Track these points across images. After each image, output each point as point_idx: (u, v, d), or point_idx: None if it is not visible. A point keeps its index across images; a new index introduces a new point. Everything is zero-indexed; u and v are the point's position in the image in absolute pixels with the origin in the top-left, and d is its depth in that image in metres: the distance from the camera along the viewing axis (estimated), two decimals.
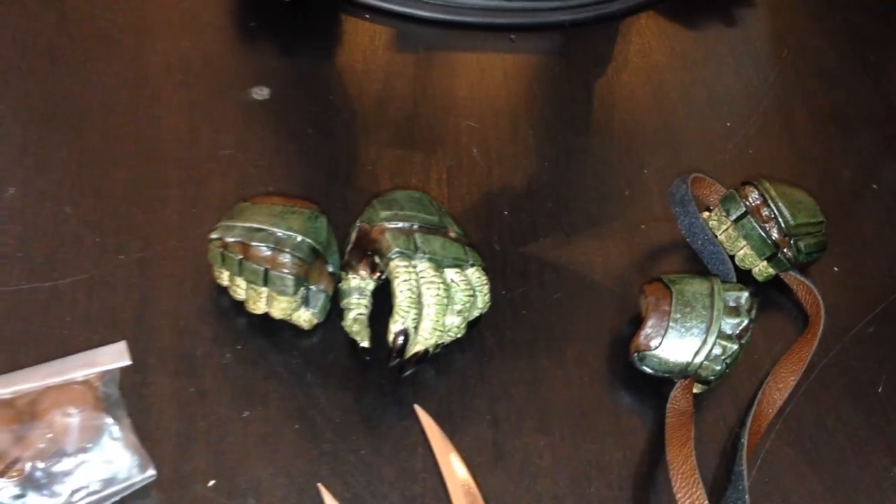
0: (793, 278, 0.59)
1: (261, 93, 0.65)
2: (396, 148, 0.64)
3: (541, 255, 0.59)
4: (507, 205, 0.61)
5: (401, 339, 0.48)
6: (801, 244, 0.57)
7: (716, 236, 0.59)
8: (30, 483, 0.43)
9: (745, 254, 0.58)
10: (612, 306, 0.57)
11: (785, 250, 0.57)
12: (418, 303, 0.49)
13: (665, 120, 0.70)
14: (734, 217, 0.58)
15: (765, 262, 0.58)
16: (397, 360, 0.49)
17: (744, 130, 0.70)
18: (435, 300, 0.49)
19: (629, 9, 0.77)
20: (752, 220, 0.57)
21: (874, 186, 0.67)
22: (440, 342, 0.50)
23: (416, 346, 0.49)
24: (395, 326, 0.48)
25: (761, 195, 0.58)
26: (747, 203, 0.58)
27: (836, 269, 0.62)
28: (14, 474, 0.42)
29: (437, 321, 0.49)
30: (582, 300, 0.57)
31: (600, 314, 0.56)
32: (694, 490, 0.46)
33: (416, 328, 0.49)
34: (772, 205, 0.57)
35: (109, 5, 0.70)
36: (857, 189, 0.67)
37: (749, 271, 0.59)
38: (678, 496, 0.46)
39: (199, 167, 0.60)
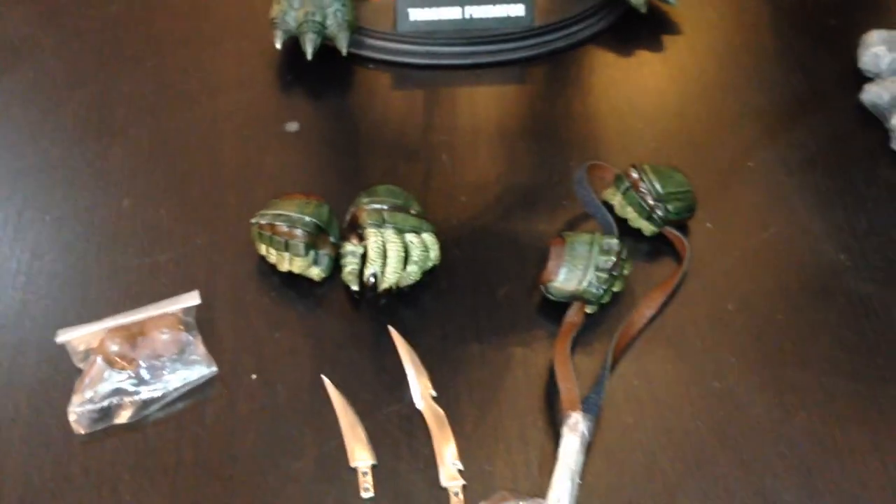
0: (670, 232, 0.81)
1: (292, 126, 0.91)
2: (388, 158, 0.89)
3: (485, 226, 0.83)
4: (465, 193, 0.85)
5: (372, 279, 0.73)
6: (670, 206, 0.79)
7: (610, 205, 0.81)
8: (141, 376, 0.69)
9: (632, 216, 0.81)
10: (534, 258, 0.79)
11: (658, 212, 0.79)
12: (384, 255, 0.73)
13: (593, 128, 0.93)
14: (622, 190, 0.81)
15: (646, 222, 0.80)
16: (371, 293, 0.73)
17: (652, 131, 0.92)
18: (395, 253, 0.73)
19: (573, 44, 1.00)
20: (633, 191, 0.80)
21: (749, 164, 0.89)
22: (404, 284, 0.75)
23: (384, 284, 0.73)
24: (367, 270, 0.73)
25: (639, 173, 0.80)
26: (630, 180, 0.80)
27: (709, 225, 0.83)
28: (131, 367, 0.69)
29: (398, 267, 0.73)
30: (513, 255, 0.80)
31: (525, 264, 0.79)
32: (566, 372, 0.69)
33: (383, 272, 0.73)
34: (646, 180, 0.79)
35: (191, 72, 0.97)
36: (735, 167, 0.88)
37: (639, 229, 0.81)
38: (558, 379, 0.69)
39: (248, 179, 0.86)
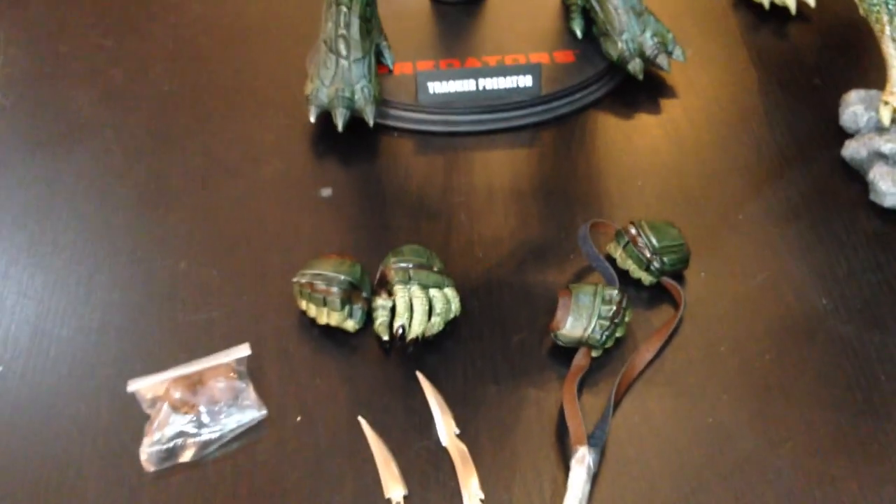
0: (667, 282, 0.90)
1: (326, 191, 1.01)
2: (412, 218, 0.99)
3: (500, 278, 0.92)
4: (481, 248, 0.95)
5: (400, 330, 0.82)
6: (666, 259, 0.88)
7: (612, 258, 0.91)
8: (201, 420, 0.79)
9: (632, 268, 0.90)
10: (544, 307, 0.89)
11: (655, 263, 0.88)
12: (411, 309, 0.83)
13: (596, 186, 1.02)
14: (622, 244, 0.90)
15: (644, 272, 0.89)
16: (400, 342, 0.83)
17: (650, 188, 1.01)
18: (420, 307, 0.83)
19: (578, 110, 1.10)
20: (632, 246, 0.89)
21: (739, 217, 0.98)
22: (429, 334, 0.84)
23: (411, 334, 0.83)
24: (396, 323, 0.83)
25: (637, 229, 0.89)
26: (629, 235, 0.89)
27: (703, 274, 0.92)
28: (192, 412, 0.78)
29: (423, 319, 0.83)
30: (525, 304, 0.90)
31: (537, 313, 0.89)
32: (574, 410, 0.78)
33: (410, 324, 0.83)
34: (643, 235, 0.89)
35: (235, 144, 1.08)
36: (726, 220, 0.98)
37: (639, 280, 0.90)
38: (567, 417, 0.78)
39: (288, 241, 0.96)
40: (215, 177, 1.04)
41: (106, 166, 1.05)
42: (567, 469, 0.75)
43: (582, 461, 0.74)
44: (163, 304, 0.90)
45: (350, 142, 1.07)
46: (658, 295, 0.90)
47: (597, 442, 0.77)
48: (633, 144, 1.08)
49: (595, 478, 0.75)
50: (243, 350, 0.83)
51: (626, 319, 0.85)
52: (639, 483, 0.76)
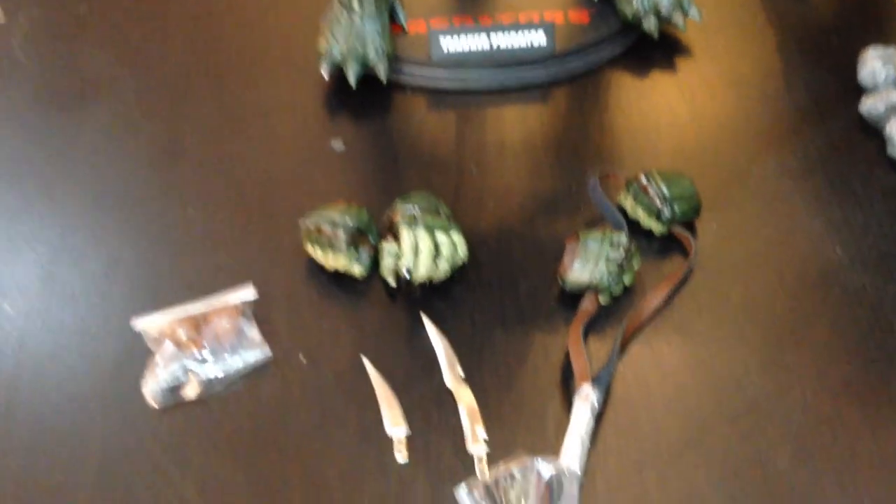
0: (678, 231, 0.89)
1: (338, 144, 1.01)
2: (422, 171, 0.98)
3: (510, 228, 0.92)
4: (491, 200, 0.95)
5: (405, 273, 0.82)
6: (677, 207, 0.87)
7: (623, 208, 0.90)
8: (205, 357, 0.79)
9: (642, 217, 0.89)
10: (553, 256, 0.88)
11: (665, 212, 0.87)
12: (417, 251, 0.83)
13: (608, 142, 1.02)
14: (633, 193, 0.89)
15: (655, 221, 0.88)
16: (406, 286, 0.82)
17: (663, 144, 1.00)
18: (427, 249, 0.82)
19: (591, 68, 1.09)
20: (642, 194, 0.88)
21: (753, 171, 0.96)
22: (436, 279, 0.84)
23: (417, 278, 0.82)
24: (401, 264, 0.82)
25: (648, 178, 0.88)
26: (640, 184, 0.89)
27: (714, 225, 0.91)
28: (195, 348, 0.78)
29: (429, 262, 0.82)
30: (534, 253, 0.89)
31: (545, 261, 0.88)
32: (578, 350, 0.77)
33: (416, 267, 0.82)
34: (654, 184, 0.88)
35: (248, 100, 1.08)
36: (740, 174, 0.96)
37: (649, 230, 0.89)
38: (572, 356, 0.77)
39: (298, 191, 0.96)
40: (228, 131, 1.04)
41: (122, 121, 1.05)
42: (571, 408, 0.75)
43: (585, 398, 0.74)
44: (171, 248, 0.90)
45: (363, 98, 1.07)
46: (668, 246, 0.89)
47: (601, 381, 0.76)
48: (647, 102, 1.06)
49: (599, 416, 0.74)
50: (248, 292, 0.83)
51: (635, 266, 0.84)
52: (644, 424, 0.75)
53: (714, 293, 0.85)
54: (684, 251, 0.88)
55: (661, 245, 0.89)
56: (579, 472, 0.70)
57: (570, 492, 0.69)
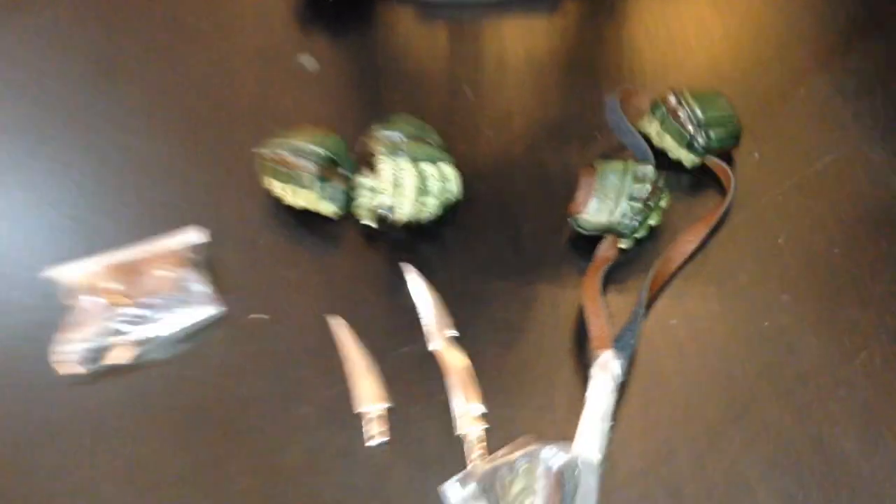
0: (713, 162, 0.74)
1: (309, 62, 0.86)
2: (408, 92, 0.83)
3: (511, 160, 0.77)
4: (489, 127, 0.79)
5: (385, 211, 0.67)
6: (713, 133, 0.72)
7: (646, 135, 0.75)
8: (139, 315, 0.65)
9: (671, 146, 0.74)
10: (563, 192, 0.73)
11: (699, 139, 0.72)
12: (398, 185, 0.68)
13: (628, 59, 0.86)
14: (659, 117, 0.74)
15: (686, 151, 0.73)
16: (386, 227, 0.68)
17: (692, 60, 0.85)
18: (410, 182, 0.68)
19: None
20: (671, 119, 0.73)
21: (801, 91, 0.81)
22: (422, 218, 0.69)
23: (399, 216, 0.68)
24: (379, 199, 0.67)
25: (678, 99, 0.73)
26: (668, 106, 0.73)
27: (756, 154, 0.76)
28: (128, 304, 0.64)
29: (413, 198, 0.68)
30: (540, 188, 0.74)
31: (553, 198, 0.73)
32: (596, 309, 0.63)
33: (396, 204, 0.68)
34: (685, 105, 0.72)
35: (204, 10, 0.93)
36: (785, 95, 0.81)
37: (678, 162, 0.74)
38: (588, 316, 0.63)
39: (262, 118, 0.81)
40: (181, 48, 0.88)
41: (53, 32, 0.89)
42: (587, 379, 0.61)
43: (605, 367, 0.60)
44: (104, 182, 0.75)
45: (341, 10, 0.91)
46: (701, 180, 0.75)
47: (624, 346, 0.62)
48: (673, 12, 0.90)
49: (622, 389, 0.61)
50: (196, 235, 0.69)
51: (662, 204, 0.69)
52: (675, 397, 0.61)
53: (758, 236, 0.70)
54: (720, 187, 0.74)
55: (692, 180, 0.75)
56: (598, 461, 0.56)
57: (588, 485, 0.55)
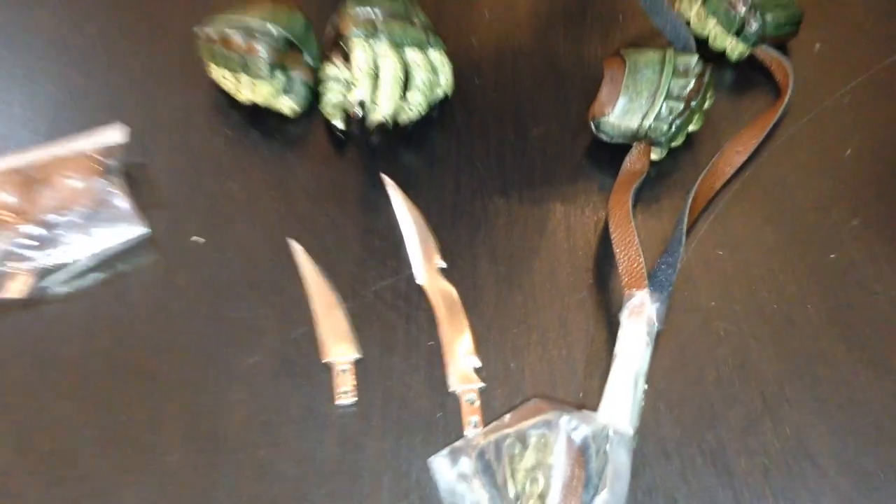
0: (765, 53, 0.60)
1: None
2: None
3: (516, 48, 0.62)
4: (488, 7, 0.64)
5: (359, 110, 0.53)
6: (768, 17, 0.58)
7: (685, 19, 0.60)
8: (41, 236, 0.51)
9: (715, 33, 0.60)
10: (580, 88, 0.59)
11: (752, 24, 0.58)
12: (375, 76, 0.53)
13: None
14: None
15: (733, 39, 0.59)
16: (360, 129, 0.53)
17: None
18: (391, 73, 0.53)
19: None
20: None
21: None
22: (405, 118, 0.55)
23: (376, 116, 0.53)
24: (352, 95, 0.53)
25: None
26: None
27: (818, 45, 0.62)
28: (25, 222, 0.50)
29: (394, 93, 0.53)
30: (552, 83, 0.60)
31: (568, 95, 0.59)
32: (627, 236, 0.49)
33: (374, 99, 0.53)
34: None
35: None
36: None
37: (723, 52, 0.60)
38: (616, 245, 0.49)
39: None
40: None
41: None
42: (612, 326, 0.48)
43: (639, 312, 0.46)
44: (16, 67, 0.60)
45: None
46: (749, 77, 0.61)
47: (661, 285, 0.49)
48: None
49: (657, 339, 0.48)
50: (115, 134, 0.54)
51: (706, 105, 0.55)
52: (722, 348, 0.48)
53: (819, 148, 0.57)
54: (773, 85, 0.60)
55: (737, 74, 0.61)
56: (631, 431, 0.44)
57: (619, 462, 0.43)
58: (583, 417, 0.43)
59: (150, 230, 0.52)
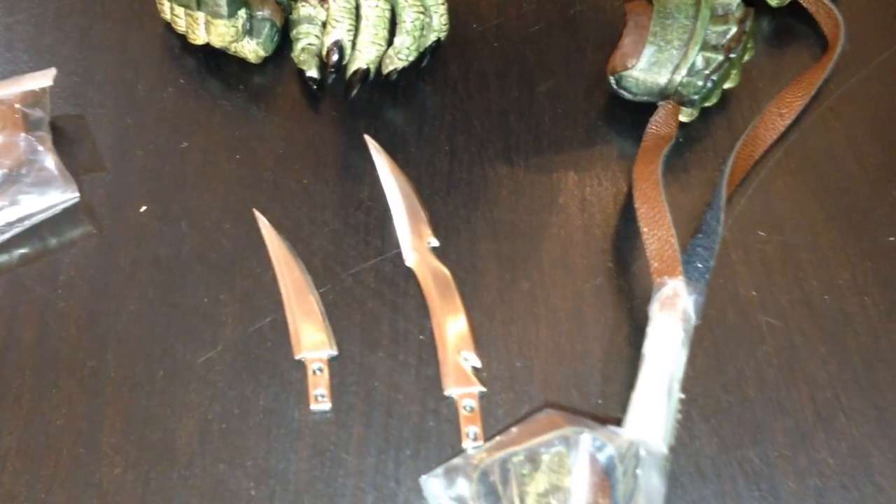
0: (811, 0, 0.52)
1: None
2: None
3: None
4: None
5: (335, 55, 0.44)
6: None
7: None
8: None
9: None
10: (596, 36, 0.51)
11: None
12: (356, 16, 0.45)
13: None
14: None
15: None
16: (333, 75, 0.45)
17: None
18: (374, 11, 0.44)
19: None
20: None
21: None
22: (391, 68, 0.46)
23: (356, 62, 0.45)
24: (328, 38, 0.44)
25: None
26: None
27: None
28: None
29: (377, 35, 0.45)
30: (563, 32, 0.52)
31: (582, 45, 0.51)
32: (658, 217, 0.41)
33: (353, 43, 0.45)
34: None
35: None
36: None
37: None
38: (643, 220, 0.42)
39: None
40: None
41: None
42: (638, 320, 0.41)
43: (673, 304, 0.39)
44: None
45: None
46: (792, 26, 0.53)
47: (698, 271, 0.41)
48: None
49: (694, 335, 0.40)
50: (43, 78, 0.45)
51: (746, 58, 0.47)
52: (766, 350, 0.41)
53: (876, 110, 0.49)
54: (821, 36, 0.52)
55: (778, 24, 0.53)
56: (664, 450, 0.36)
57: (651, 486, 0.35)
58: (607, 433, 0.36)
59: (84, 196, 0.43)
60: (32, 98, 0.44)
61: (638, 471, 0.35)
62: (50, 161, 0.43)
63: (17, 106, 0.43)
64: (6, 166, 0.42)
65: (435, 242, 0.44)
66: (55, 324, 0.40)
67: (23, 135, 0.43)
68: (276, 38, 0.48)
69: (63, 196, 0.43)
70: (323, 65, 0.46)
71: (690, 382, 0.40)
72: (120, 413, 0.38)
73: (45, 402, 0.38)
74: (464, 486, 0.36)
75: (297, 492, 0.37)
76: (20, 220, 0.42)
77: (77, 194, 0.43)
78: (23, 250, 0.42)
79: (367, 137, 0.46)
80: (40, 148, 0.43)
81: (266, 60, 0.49)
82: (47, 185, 0.43)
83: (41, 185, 0.43)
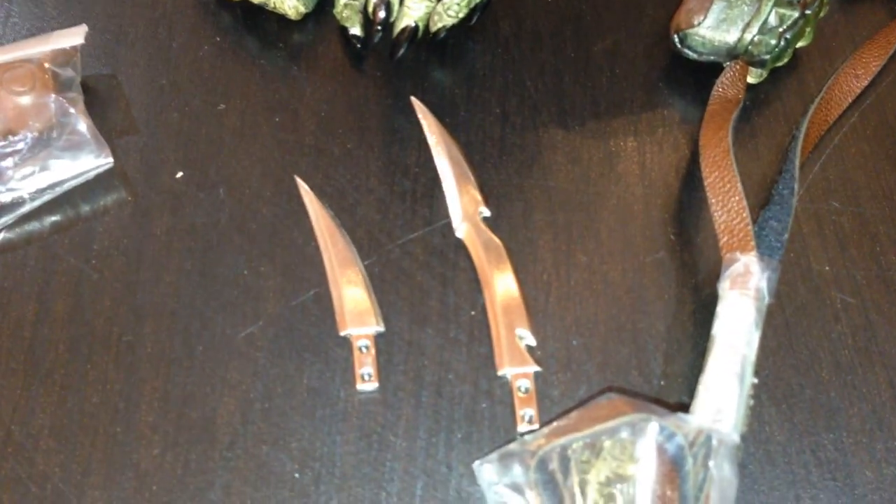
0: None
1: None
2: None
3: None
4: None
5: (382, 12, 0.42)
6: None
7: None
8: None
9: None
10: None
11: None
12: None
13: None
14: None
15: None
16: (379, 33, 0.42)
17: None
18: None
19: None
20: None
21: None
22: (439, 25, 0.44)
23: (403, 20, 0.42)
24: (373, 1, 0.42)
25: None
26: None
27: None
28: None
29: None
30: None
31: (642, 2, 0.48)
32: (729, 177, 0.39)
33: (401, 1, 0.42)
34: None
35: None
36: None
37: None
38: (711, 189, 0.39)
39: None
40: None
41: None
42: (700, 296, 0.38)
43: (745, 282, 0.36)
44: None
45: None
46: None
47: (772, 247, 0.38)
48: None
49: (768, 313, 0.38)
50: (73, 36, 0.43)
51: (822, 14, 0.44)
52: (839, 331, 0.39)
53: None
54: None
55: None
56: (737, 439, 0.34)
57: (723, 478, 0.33)
58: (675, 421, 0.34)
59: (117, 161, 0.41)
60: (63, 57, 0.42)
61: (710, 462, 0.33)
62: (82, 124, 0.40)
63: (46, 65, 0.41)
64: (36, 129, 0.40)
65: (486, 212, 0.41)
66: (89, 296, 0.38)
67: (53, 96, 0.40)
68: None
69: (96, 161, 0.40)
70: (368, 22, 0.43)
71: (760, 364, 0.37)
72: (157, 391, 0.36)
73: (80, 379, 0.37)
74: (520, 474, 0.34)
75: (344, 476, 0.35)
76: (51, 186, 0.40)
77: (111, 159, 0.41)
78: (54, 218, 0.40)
79: (413, 100, 0.44)
80: (72, 110, 0.41)
81: (307, 17, 0.46)
82: (79, 150, 0.40)
83: (73, 149, 0.40)
